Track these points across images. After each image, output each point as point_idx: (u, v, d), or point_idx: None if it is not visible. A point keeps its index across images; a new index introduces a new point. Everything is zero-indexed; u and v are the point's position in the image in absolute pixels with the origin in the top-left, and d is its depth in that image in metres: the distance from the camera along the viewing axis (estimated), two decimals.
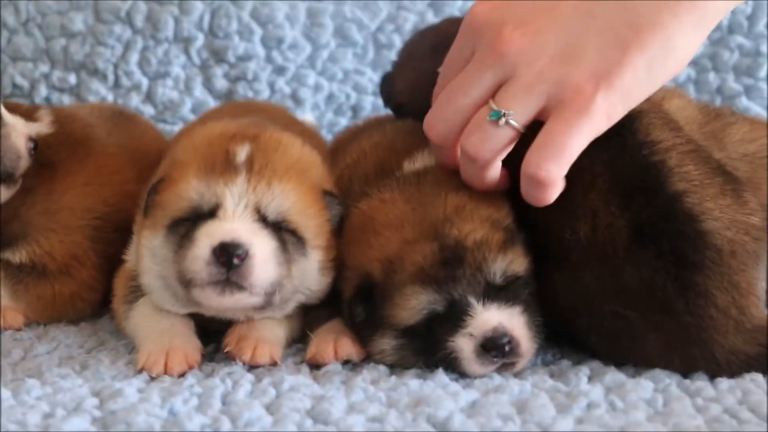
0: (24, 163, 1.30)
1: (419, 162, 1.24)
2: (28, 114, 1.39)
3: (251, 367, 1.13)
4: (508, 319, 1.08)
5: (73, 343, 1.25)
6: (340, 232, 1.20)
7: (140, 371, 1.10)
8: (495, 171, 1.13)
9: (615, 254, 1.08)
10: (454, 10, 2.02)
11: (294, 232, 1.15)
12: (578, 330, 1.14)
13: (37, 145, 1.32)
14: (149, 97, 2.01)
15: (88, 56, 2.00)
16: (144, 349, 1.14)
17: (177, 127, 1.95)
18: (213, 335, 1.19)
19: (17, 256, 1.35)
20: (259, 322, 1.17)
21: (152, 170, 1.32)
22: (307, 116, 1.95)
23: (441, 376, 1.08)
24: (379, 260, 1.12)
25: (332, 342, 1.15)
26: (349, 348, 1.15)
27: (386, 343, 1.13)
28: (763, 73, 2.00)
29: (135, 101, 2.00)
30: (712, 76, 2.02)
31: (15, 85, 2.00)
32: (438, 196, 1.15)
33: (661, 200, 1.08)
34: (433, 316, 1.09)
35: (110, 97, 1.99)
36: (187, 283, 1.11)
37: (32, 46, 2.00)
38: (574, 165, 1.07)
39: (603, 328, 1.10)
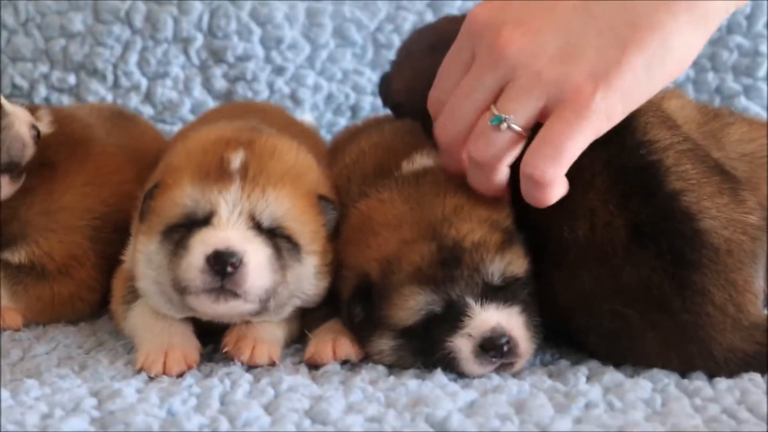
0: (29, 151, 1.30)
1: (418, 162, 1.24)
2: None
3: (250, 367, 1.13)
4: (506, 320, 1.08)
5: (71, 344, 1.25)
6: (338, 233, 1.20)
7: (139, 371, 1.10)
8: (502, 175, 1.12)
9: (613, 253, 1.08)
10: (453, 9, 2.01)
11: (289, 239, 1.14)
12: (577, 329, 1.14)
13: (40, 133, 1.32)
14: (148, 98, 2.01)
15: (87, 56, 2.00)
16: (142, 349, 1.14)
17: (176, 128, 1.95)
18: (212, 335, 1.19)
19: (16, 256, 1.35)
20: (258, 322, 1.17)
21: (151, 170, 1.31)
22: (306, 116, 1.95)
23: (439, 376, 1.08)
24: (378, 260, 1.12)
25: (331, 342, 1.15)
26: (347, 348, 1.15)
27: (385, 344, 1.13)
28: (762, 73, 2.00)
29: (134, 101, 2.00)
30: (711, 76, 2.02)
31: (14, 86, 2.00)
32: (437, 197, 1.15)
33: (659, 199, 1.09)
34: (431, 316, 1.09)
35: (109, 98, 1.99)
36: (181, 290, 1.11)
37: (32, 46, 2.00)
38: (573, 164, 1.07)
39: (601, 327, 1.11)
